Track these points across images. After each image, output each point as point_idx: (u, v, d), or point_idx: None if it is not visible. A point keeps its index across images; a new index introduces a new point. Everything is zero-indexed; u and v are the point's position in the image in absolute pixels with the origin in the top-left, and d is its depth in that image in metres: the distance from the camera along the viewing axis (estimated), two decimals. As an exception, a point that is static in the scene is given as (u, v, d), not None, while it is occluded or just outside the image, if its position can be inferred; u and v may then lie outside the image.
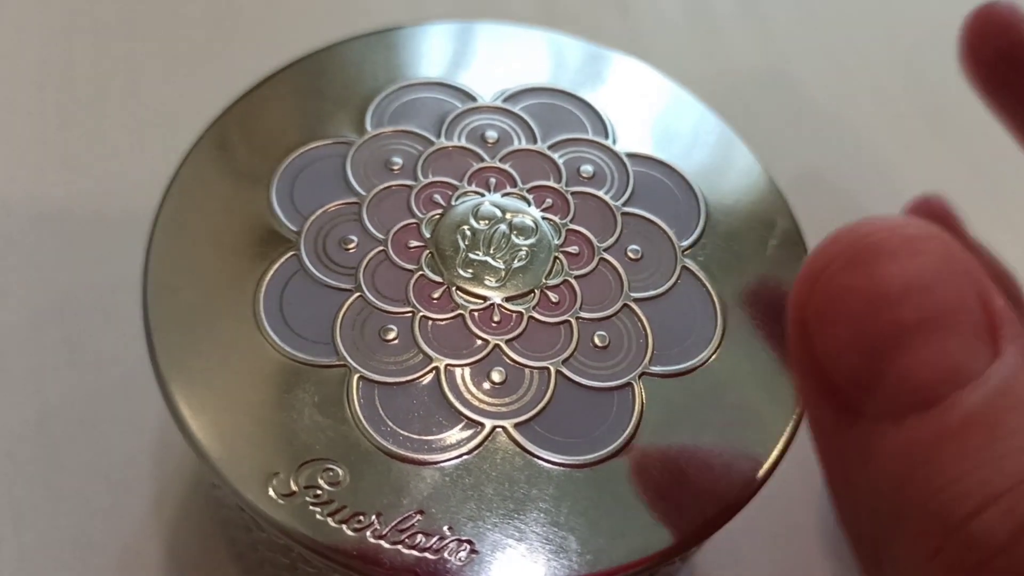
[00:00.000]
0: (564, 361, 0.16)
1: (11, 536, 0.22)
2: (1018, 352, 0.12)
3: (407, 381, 0.16)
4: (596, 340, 0.16)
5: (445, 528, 0.15)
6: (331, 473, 0.15)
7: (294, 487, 0.15)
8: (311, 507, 0.15)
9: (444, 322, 0.16)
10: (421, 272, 0.17)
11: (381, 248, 0.17)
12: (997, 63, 0.19)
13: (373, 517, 0.15)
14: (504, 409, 0.16)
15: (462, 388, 0.16)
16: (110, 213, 0.26)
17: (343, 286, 0.16)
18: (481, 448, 0.15)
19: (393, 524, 0.15)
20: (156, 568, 0.22)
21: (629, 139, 0.19)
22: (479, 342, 0.16)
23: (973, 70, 0.20)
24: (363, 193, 0.18)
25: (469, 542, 0.15)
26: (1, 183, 0.27)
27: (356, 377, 0.16)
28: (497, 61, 0.20)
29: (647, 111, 0.20)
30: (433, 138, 0.18)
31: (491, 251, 0.17)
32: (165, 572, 0.21)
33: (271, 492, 0.15)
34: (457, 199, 0.18)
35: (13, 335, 0.24)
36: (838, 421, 0.13)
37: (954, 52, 0.20)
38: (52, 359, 0.24)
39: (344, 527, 0.14)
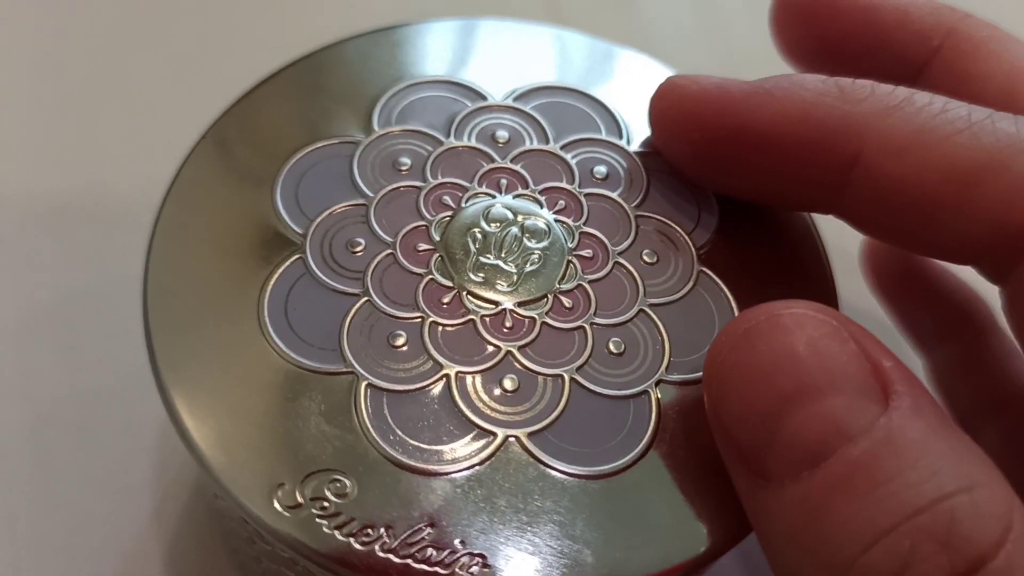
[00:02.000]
0: (578, 368, 0.16)
1: (5, 545, 0.21)
2: (908, 403, 0.13)
3: (416, 389, 0.15)
4: (611, 347, 0.16)
5: (456, 542, 0.14)
6: (338, 484, 0.14)
7: (300, 499, 0.14)
8: (317, 519, 0.14)
9: (454, 328, 0.16)
10: (431, 276, 0.16)
11: (389, 251, 0.16)
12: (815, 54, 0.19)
13: (382, 530, 0.14)
14: (517, 418, 0.15)
15: (473, 396, 0.15)
16: (107, 212, 0.26)
17: (350, 290, 0.16)
18: (493, 458, 0.15)
19: (403, 537, 0.14)
20: (155, 579, 0.21)
21: (643, 139, 0.18)
22: (490, 348, 0.16)
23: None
24: (370, 194, 0.17)
25: (481, 556, 0.14)
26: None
27: (364, 385, 0.15)
28: (506, 59, 0.19)
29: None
30: (442, 138, 0.18)
31: (503, 255, 0.16)
32: (164, 583, 0.21)
33: (276, 504, 0.14)
34: (467, 201, 0.17)
35: (7, 337, 0.24)
36: (751, 484, 0.14)
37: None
38: (47, 362, 0.23)
39: (352, 540, 0.14)
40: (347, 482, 0.14)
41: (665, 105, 0.17)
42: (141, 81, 0.28)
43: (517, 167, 0.18)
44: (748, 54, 0.31)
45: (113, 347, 0.24)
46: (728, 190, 0.18)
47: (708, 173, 0.17)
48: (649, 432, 0.15)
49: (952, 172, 0.15)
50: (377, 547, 0.14)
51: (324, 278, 0.16)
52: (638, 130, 0.19)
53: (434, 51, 0.19)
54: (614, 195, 0.18)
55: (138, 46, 0.29)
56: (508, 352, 0.16)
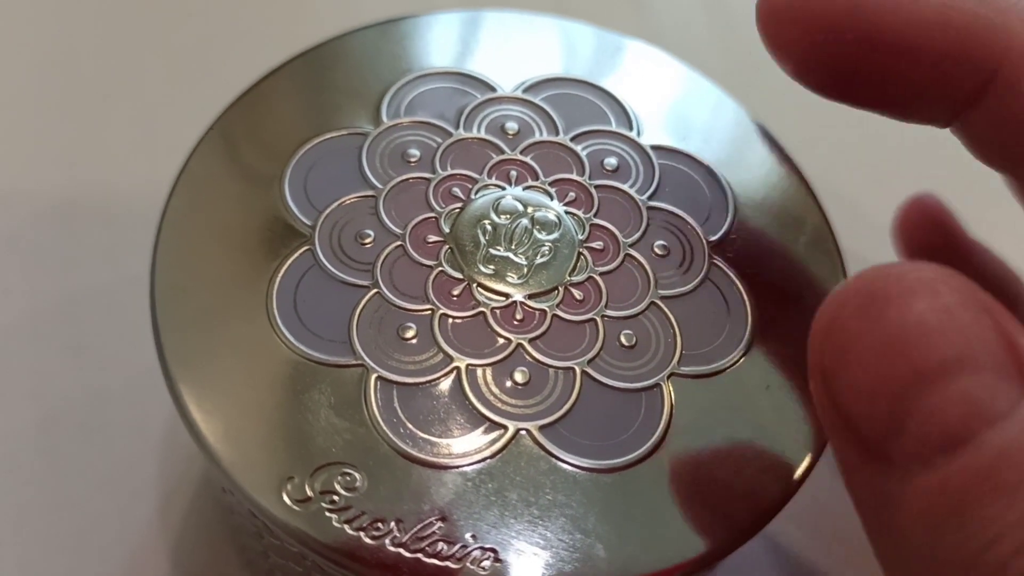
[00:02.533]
0: (590, 361, 0.15)
1: (12, 543, 0.21)
2: None
3: (427, 382, 0.15)
4: (623, 339, 0.16)
5: (468, 535, 0.14)
6: (348, 478, 0.14)
7: (309, 492, 0.14)
8: (327, 513, 0.14)
9: (464, 320, 0.16)
10: (440, 268, 0.16)
11: (399, 243, 0.16)
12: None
13: (392, 524, 0.14)
14: (528, 411, 0.15)
15: (484, 389, 0.15)
16: (115, 210, 0.25)
17: (360, 282, 0.16)
18: (504, 451, 0.15)
19: (413, 531, 0.14)
20: None
21: (653, 131, 0.18)
22: (501, 341, 0.15)
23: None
24: (379, 186, 0.17)
25: (493, 550, 0.14)
26: (2, 177, 0.26)
27: (374, 377, 0.15)
28: (515, 51, 0.19)
29: (671, 102, 0.19)
30: (451, 129, 0.18)
31: (513, 247, 0.16)
32: (171, 580, 0.21)
33: (285, 498, 0.14)
34: (477, 192, 0.17)
35: (15, 336, 0.23)
36: (867, 468, 0.12)
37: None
38: (55, 361, 0.23)
39: (362, 534, 0.14)
40: (357, 476, 0.14)
41: (779, 4, 0.15)
42: (147, 78, 0.28)
43: (527, 159, 0.18)
44: (756, 44, 0.31)
45: (121, 346, 0.23)
46: (845, 97, 0.16)
47: (825, 80, 0.16)
48: (661, 426, 0.15)
49: None
50: (387, 541, 0.14)
51: (333, 270, 0.16)
52: (648, 122, 0.18)
53: (442, 43, 0.19)
54: (625, 187, 0.17)
55: (142, 43, 0.29)
56: (519, 344, 0.15)
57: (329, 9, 0.30)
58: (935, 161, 0.29)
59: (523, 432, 0.15)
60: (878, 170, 0.29)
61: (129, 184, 0.26)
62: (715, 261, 0.17)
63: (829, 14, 0.15)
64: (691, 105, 0.19)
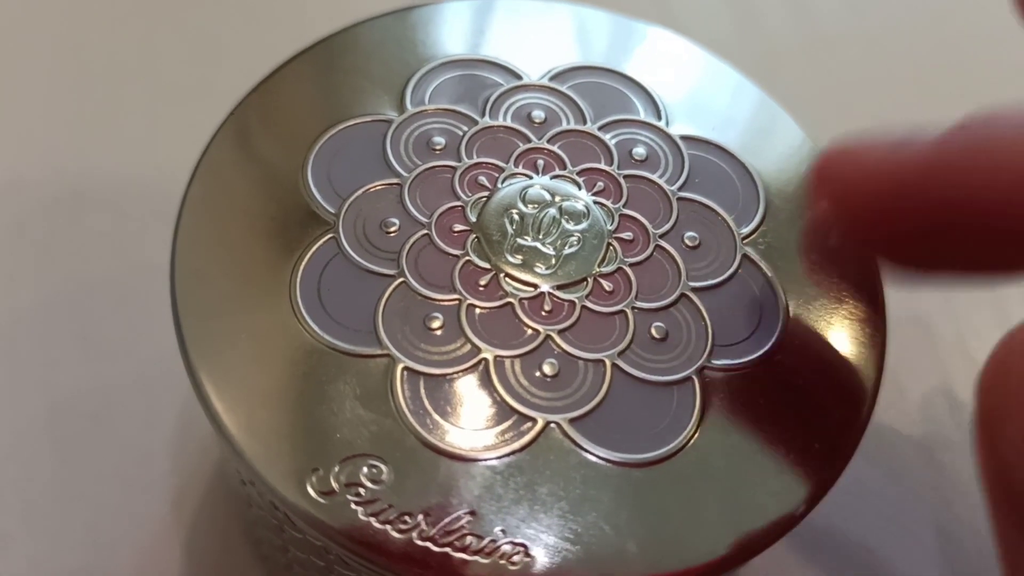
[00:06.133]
0: (620, 353, 0.15)
1: (22, 536, 0.20)
2: None
3: (454, 373, 0.15)
4: (653, 332, 0.15)
5: (497, 530, 0.14)
6: (374, 470, 0.14)
7: (334, 485, 0.14)
8: (353, 506, 0.14)
9: (492, 311, 0.15)
10: (467, 257, 0.16)
11: (424, 232, 0.16)
12: None
13: (420, 517, 0.14)
14: (557, 403, 0.15)
15: (512, 381, 0.15)
16: (127, 197, 0.25)
17: (385, 271, 0.15)
18: (534, 445, 0.14)
19: (441, 525, 0.14)
20: (175, 571, 0.21)
21: (682, 120, 0.18)
22: (529, 332, 0.15)
23: None
24: (404, 174, 0.17)
25: (523, 545, 0.14)
26: (12, 163, 0.26)
27: (400, 368, 0.15)
28: (541, 38, 0.19)
29: (700, 92, 0.19)
30: (477, 117, 0.17)
31: (541, 236, 0.16)
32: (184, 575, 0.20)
33: (310, 490, 0.14)
34: (503, 181, 0.17)
35: (24, 324, 0.23)
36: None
37: (989, 17, 0.19)
38: (65, 350, 0.23)
39: (389, 528, 0.13)
40: (383, 468, 0.14)
41: (836, 189, 0.13)
42: (162, 66, 0.28)
43: (554, 148, 0.17)
44: (774, 29, 0.30)
45: (131, 337, 0.23)
46: (935, 272, 0.13)
47: (907, 264, 0.13)
48: (693, 420, 0.15)
49: None
50: (415, 535, 0.13)
51: (358, 258, 0.16)
52: (676, 111, 0.18)
53: (466, 29, 0.19)
54: (654, 177, 0.17)
55: (155, 28, 0.29)
56: (547, 336, 0.15)
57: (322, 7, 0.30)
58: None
59: (553, 425, 0.14)
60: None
61: (140, 172, 0.26)
62: (747, 253, 0.16)
63: (893, 203, 0.12)
64: (718, 94, 0.19)
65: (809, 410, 0.15)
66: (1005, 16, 0.17)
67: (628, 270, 0.16)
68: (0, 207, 0.25)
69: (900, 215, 0.12)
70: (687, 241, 0.16)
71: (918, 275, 0.14)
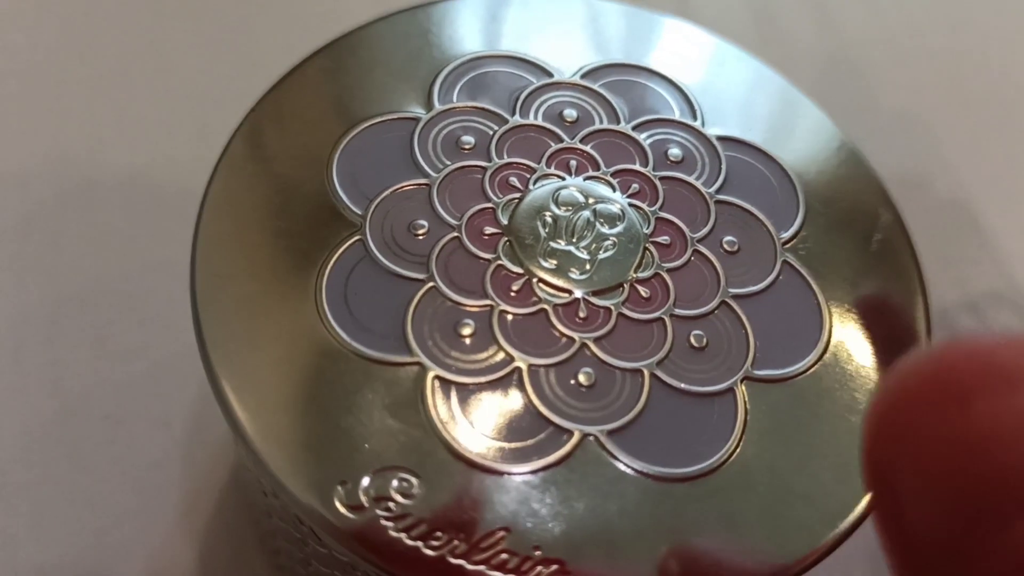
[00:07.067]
0: (659, 363, 0.15)
1: (30, 541, 0.20)
2: None
3: (488, 382, 0.14)
4: (692, 340, 0.15)
5: (532, 547, 0.13)
6: (405, 483, 0.13)
7: (363, 499, 0.13)
8: (383, 521, 0.13)
9: (524, 317, 0.15)
10: (499, 262, 0.15)
11: (455, 235, 0.15)
12: None
13: (453, 534, 0.13)
14: (594, 415, 0.14)
15: (547, 391, 0.14)
16: (142, 192, 0.25)
17: (414, 276, 0.15)
18: (570, 458, 0.14)
19: (475, 542, 0.13)
20: (187, 577, 0.20)
21: (719, 121, 0.17)
22: (564, 340, 0.15)
23: None
24: (433, 174, 0.16)
25: (559, 563, 0.13)
26: (22, 156, 0.25)
27: (431, 376, 0.14)
28: (571, 34, 0.18)
29: (736, 92, 0.18)
30: (507, 115, 0.17)
31: (575, 240, 0.15)
32: (197, 583, 0.20)
33: (337, 504, 0.13)
34: (535, 183, 0.16)
35: (34, 322, 0.22)
36: None
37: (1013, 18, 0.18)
38: (75, 349, 0.22)
39: (420, 544, 0.13)
40: (414, 481, 0.13)
41: (911, 452, 0.10)
42: (177, 59, 0.27)
43: (587, 148, 0.17)
44: (802, 42, 0.30)
45: (143, 333, 0.23)
46: None
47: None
48: (735, 432, 0.14)
49: None
50: (448, 552, 0.13)
51: (386, 262, 0.15)
52: (712, 111, 0.17)
53: (494, 23, 0.18)
54: (691, 179, 0.16)
55: (174, 21, 0.28)
56: (583, 344, 0.15)
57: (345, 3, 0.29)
58: (1011, 144, 0.28)
59: (590, 438, 0.14)
60: (946, 159, 0.28)
61: (152, 168, 0.25)
62: (787, 259, 0.16)
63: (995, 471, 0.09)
64: (755, 94, 0.18)
65: (854, 423, 0.15)
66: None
67: (665, 276, 0.15)
68: (11, 202, 0.24)
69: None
70: (726, 246, 0.16)
71: None
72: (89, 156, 0.25)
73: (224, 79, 0.26)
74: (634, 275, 0.15)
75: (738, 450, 0.14)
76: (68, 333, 0.22)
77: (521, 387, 0.14)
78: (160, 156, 0.25)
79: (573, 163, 0.16)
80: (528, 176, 0.16)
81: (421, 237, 0.15)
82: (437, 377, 0.14)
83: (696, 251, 0.16)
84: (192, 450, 0.21)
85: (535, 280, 0.15)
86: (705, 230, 0.16)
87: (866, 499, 0.14)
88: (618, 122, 0.17)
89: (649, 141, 0.17)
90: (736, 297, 0.15)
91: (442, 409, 0.14)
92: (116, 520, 0.20)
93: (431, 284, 0.15)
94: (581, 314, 0.15)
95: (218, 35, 0.28)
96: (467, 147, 0.16)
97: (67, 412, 0.21)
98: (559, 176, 0.16)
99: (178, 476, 0.21)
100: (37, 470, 0.21)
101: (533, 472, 0.14)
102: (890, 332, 0.16)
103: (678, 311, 0.15)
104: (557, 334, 0.15)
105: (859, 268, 0.16)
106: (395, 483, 0.13)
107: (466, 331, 0.14)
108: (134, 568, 0.20)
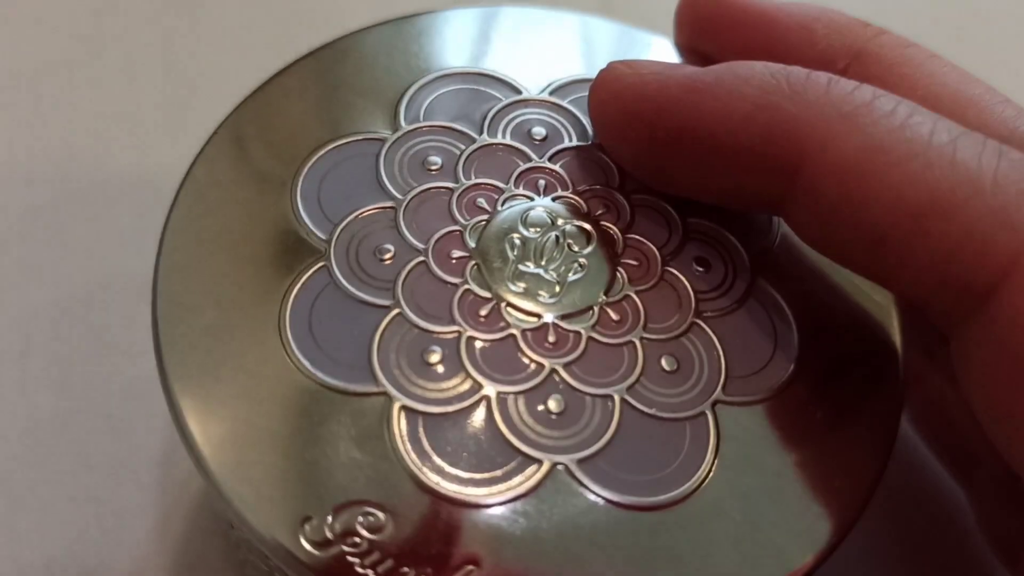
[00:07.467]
0: (629, 388, 0.14)
1: (34, 537, 0.20)
2: None
3: (455, 411, 0.14)
4: (664, 363, 0.15)
5: None
6: (371, 518, 0.13)
7: (329, 534, 0.13)
8: (349, 558, 0.13)
9: (493, 343, 0.14)
10: (467, 286, 0.15)
11: (421, 259, 0.15)
12: None
13: (421, 569, 0.13)
14: (564, 443, 0.14)
15: (516, 419, 0.14)
16: (146, 191, 0.24)
17: (380, 302, 0.15)
18: (540, 488, 0.13)
19: None
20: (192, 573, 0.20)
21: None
22: (533, 366, 0.14)
23: None
24: (399, 196, 0.16)
25: (529, 597, 0.13)
26: (27, 155, 0.25)
27: (397, 406, 0.14)
28: (540, 49, 0.18)
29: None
30: (475, 135, 0.16)
31: (543, 262, 0.15)
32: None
33: (303, 540, 0.13)
34: (503, 203, 0.16)
35: (36, 321, 0.22)
36: None
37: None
38: (79, 348, 0.22)
39: (388, 581, 0.13)
40: (381, 515, 0.13)
41: (603, 97, 0.16)
42: (186, 58, 0.27)
43: (556, 167, 0.16)
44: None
45: (146, 333, 0.22)
46: (672, 190, 0.16)
47: (650, 174, 0.16)
48: (708, 458, 0.14)
49: (899, 206, 0.13)
50: (415, 588, 0.13)
51: (351, 288, 0.15)
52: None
53: (461, 40, 0.18)
54: (660, 199, 0.16)
55: (187, 19, 0.28)
56: (552, 370, 0.14)
57: (346, 4, 0.29)
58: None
59: (559, 466, 0.14)
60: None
61: (159, 168, 0.25)
62: (758, 277, 0.16)
63: (642, 111, 0.15)
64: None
65: (829, 444, 0.14)
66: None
67: (635, 297, 0.15)
68: (15, 200, 0.24)
69: (651, 125, 0.15)
70: (696, 265, 0.16)
71: (661, 187, 0.16)
72: (94, 155, 0.25)
73: (232, 79, 0.26)
74: (604, 298, 0.15)
75: (711, 476, 0.14)
76: (72, 332, 0.22)
77: (489, 416, 0.14)
78: (164, 156, 0.25)
79: (542, 183, 0.16)
80: (496, 197, 0.16)
81: (388, 262, 0.15)
82: (404, 407, 0.14)
83: (666, 271, 0.15)
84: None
85: (503, 304, 0.15)
86: (675, 249, 0.16)
87: (840, 523, 0.14)
88: (587, 139, 0.17)
89: (619, 159, 0.17)
90: (707, 318, 0.15)
91: (409, 440, 0.14)
92: (120, 517, 0.20)
93: (397, 311, 0.15)
94: (550, 338, 0.15)
95: (226, 34, 0.27)
96: (434, 168, 0.16)
97: (71, 410, 0.21)
98: (528, 196, 0.16)
99: (182, 475, 0.21)
100: (41, 467, 0.20)
101: (502, 503, 0.13)
102: (861, 348, 0.15)
103: (648, 334, 0.15)
104: (526, 360, 0.14)
105: (831, 283, 0.16)
106: (361, 518, 0.13)
107: (434, 358, 0.14)
108: (138, 564, 0.20)
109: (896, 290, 0.15)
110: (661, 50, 0.18)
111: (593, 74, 0.16)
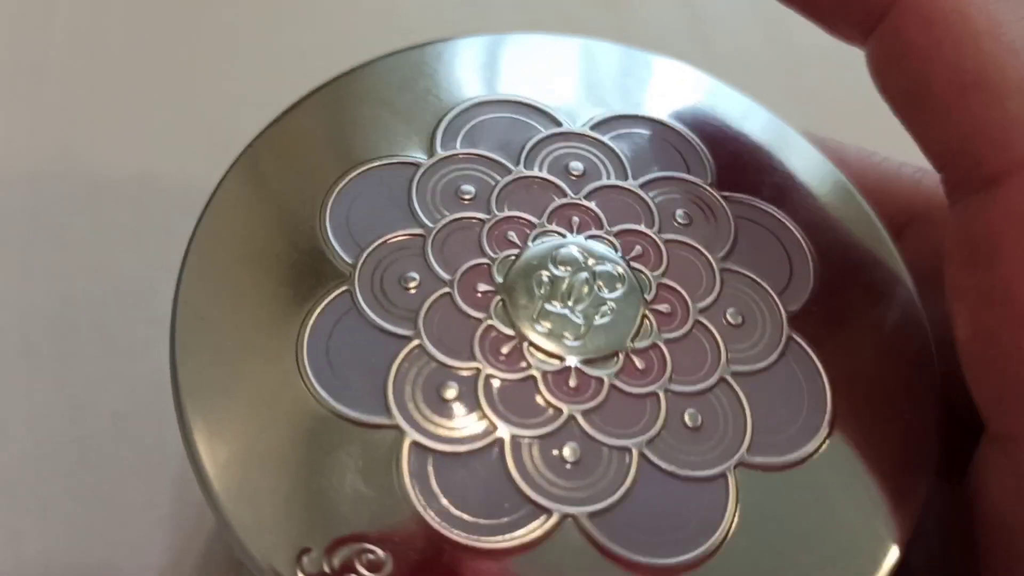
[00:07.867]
0: (648, 442, 0.14)
1: (36, 536, 0.20)
2: None
3: (467, 452, 0.13)
4: (687, 419, 0.14)
5: None
6: (371, 556, 0.13)
7: (327, 569, 0.13)
8: None
9: (512, 384, 0.14)
10: (490, 322, 0.14)
11: (446, 290, 0.15)
12: None
13: None
14: (577, 494, 0.13)
15: (529, 465, 0.13)
16: (150, 191, 0.24)
17: (400, 332, 0.14)
18: (547, 541, 0.13)
19: None
20: (201, 568, 0.20)
21: (732, 181, 0.17)
22: (551, 411, 0.14)
23: None
24: (429, 224, 0.15)
25: (528, 653, 0.12)
26: (31, 155, 0.25)
27: (408, 442, 0.13)
28: (584, 80, 0.18)
29: (753, 151, 0.17)
30: (511, 165, 0.16)
31: (571, 303, 0.15)
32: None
33: (300, 573, 0.13)
34: (535, 239, 0.15)
35: (41, 319, 0.22)
36: None
37: None
38: (83, 347, 0.22)
39: (383, 625, 0.12)
40: (381, 554, 0.13)
41: None
42: (193, 59, 0.27)
43: (591, 204, 0.16)
44: (826, 94, 0.29)
45: (152, 334, 0.22)
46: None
47: None
48: (726, 521, 0.13)
49: (956, 76, 0.14)
50: (411, 634, 0.12)
51: (373, 316, 0.14)
52: (726, 171, 0.17)
53: (501, 67, 0.18)
54: (697, 244, 0.16)
55: (195, 22, 0.28)
56: (571, 416, 0.14)
57: (384, 24, 0.28)
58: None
59: (570, 519, 0.13)
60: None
61: (166, 169, 0.25)
62: (793, 336, 0.15)
63: None
64: (774, 155, 0.17)
65: (854, 518, 0.14)
66: None
67: (663, 347, 0.15)
68: (20, 200, 0.24)
69: None
70: (729, 318, 0.15)
71: None
72: (98, 155, 0.25)
73: (238, 83, 0.26)
74: (631, 344, 0.15)
75: (727, 540, 0.13)
76: (76, 330, 0.22)
77: (501, 459, 0.13)
78: (168, 156, 0.25)
79: (576, 220, 0.16)
80: (528, 232, 0.15)
81: (412, 291, 0.15)
82: (414, 443, 0.13)
83: (698, 322, 0.15)
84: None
85: (526, 344, 0.14)
86: (709, 300, 0.15)
87: None
88: (626, 178, 0.16)
89: (657, 200, 0.16)
90: (736, 375, 0.15)
91: (417, 478, 0.13)
92: (123, 517, 0.20)
93: (417, 342, 0.14)
94: (571, 383, 0.14)
95: (234, 38, 0.27)
96: (467, 197, 0.16)
97: (75, 409, 0.21)
98: (560, 233, 0.16)
99: (183, 474, 0.21)
100: (44, 466, 0.21)
101: (507, 552, 0.13)
102: (896, 419, 0.15)
103: (673, 387, 0.14)
104: (544, 404, 0.14)
105: (870, 350, 0.15)
106: (361, 555, 0.13)
107: (450, 394, 0.14)
108: (141, 564, 0.20)
109: (932, 150, 0.15)
110: (714, 93, 0.18)
111: (635, 110, 0.16)
